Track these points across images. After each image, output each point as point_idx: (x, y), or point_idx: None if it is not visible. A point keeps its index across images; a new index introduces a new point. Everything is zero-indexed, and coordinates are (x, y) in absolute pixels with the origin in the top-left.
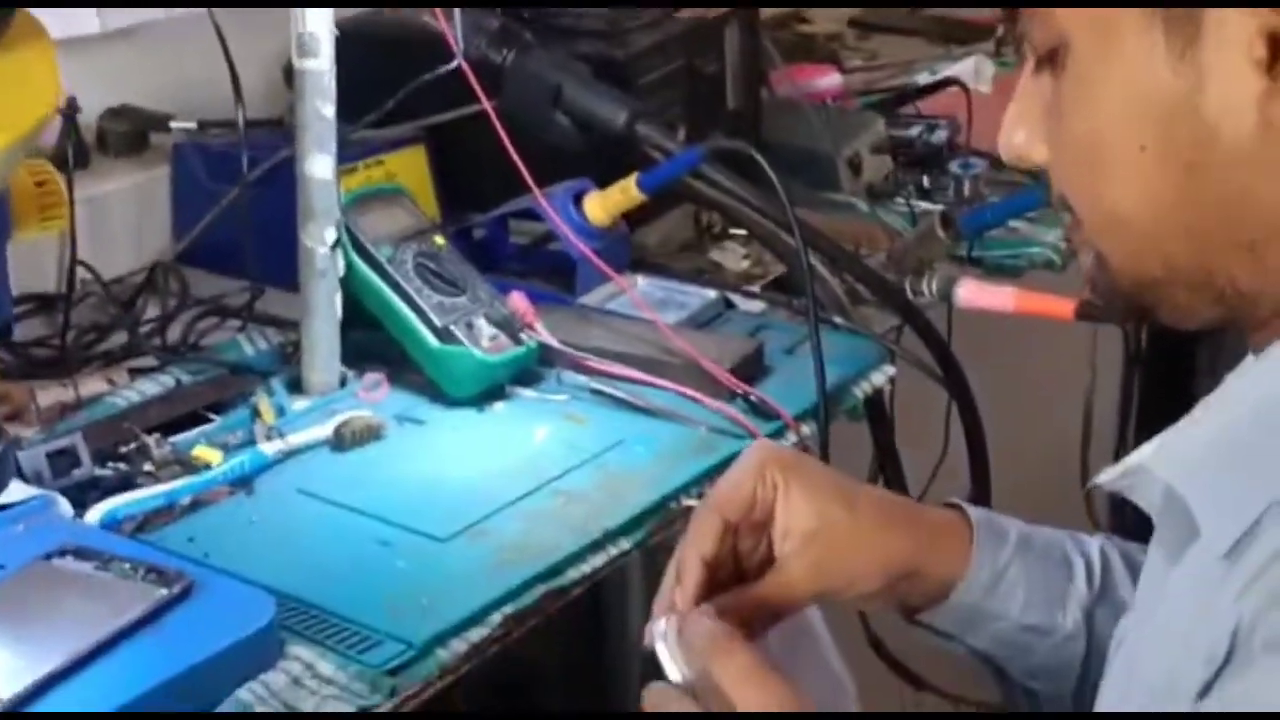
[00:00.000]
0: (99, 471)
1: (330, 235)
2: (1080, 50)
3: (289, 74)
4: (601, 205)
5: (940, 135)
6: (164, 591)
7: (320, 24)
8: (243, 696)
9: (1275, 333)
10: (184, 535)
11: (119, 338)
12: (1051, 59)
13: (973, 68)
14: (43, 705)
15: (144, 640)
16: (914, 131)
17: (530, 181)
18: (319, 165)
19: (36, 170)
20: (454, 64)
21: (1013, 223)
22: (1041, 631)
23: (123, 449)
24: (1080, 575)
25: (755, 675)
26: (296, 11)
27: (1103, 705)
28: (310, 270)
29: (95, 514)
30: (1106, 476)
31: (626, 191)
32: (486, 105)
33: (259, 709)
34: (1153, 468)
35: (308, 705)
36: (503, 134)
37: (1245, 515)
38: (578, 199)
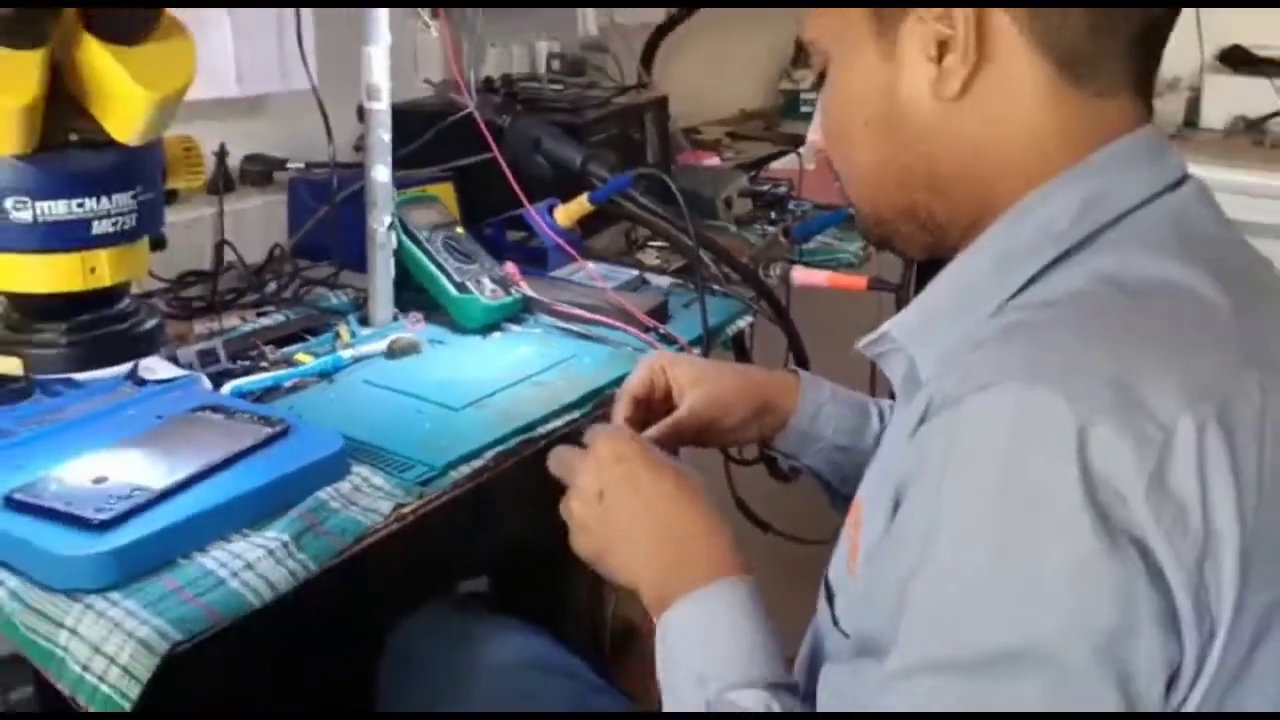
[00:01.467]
0: (231, 366)
1: (386, 220)
2: (834, 61)
3: (361, 112)
4: (565, 213)
5: (782, 189)
6: (269, 430)
7: (381, 75)
8: (320, 495)
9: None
10: (286, 406)
11: (250, 298)
12: (823, 75)
13: (803, 154)
14: (185, 496)
15: (256, 459)
16: (766, 187)
17: (522, 198)
18: (380, 173)
19: (185, 140)
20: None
21: (826, 238)
22: (850, 450)
23: (249, 354)
24: (874, 415)
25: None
26: (364, 67)
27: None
28: (373, 244)
29: (227, 389)
30: (863, 343)
31: (581, 204)
32: (495, 151)
33: (331, 504)
34: (888, 329)
35: (364, 502)
36: (505, 169)
37: (944, 351)
38: (550, 209)
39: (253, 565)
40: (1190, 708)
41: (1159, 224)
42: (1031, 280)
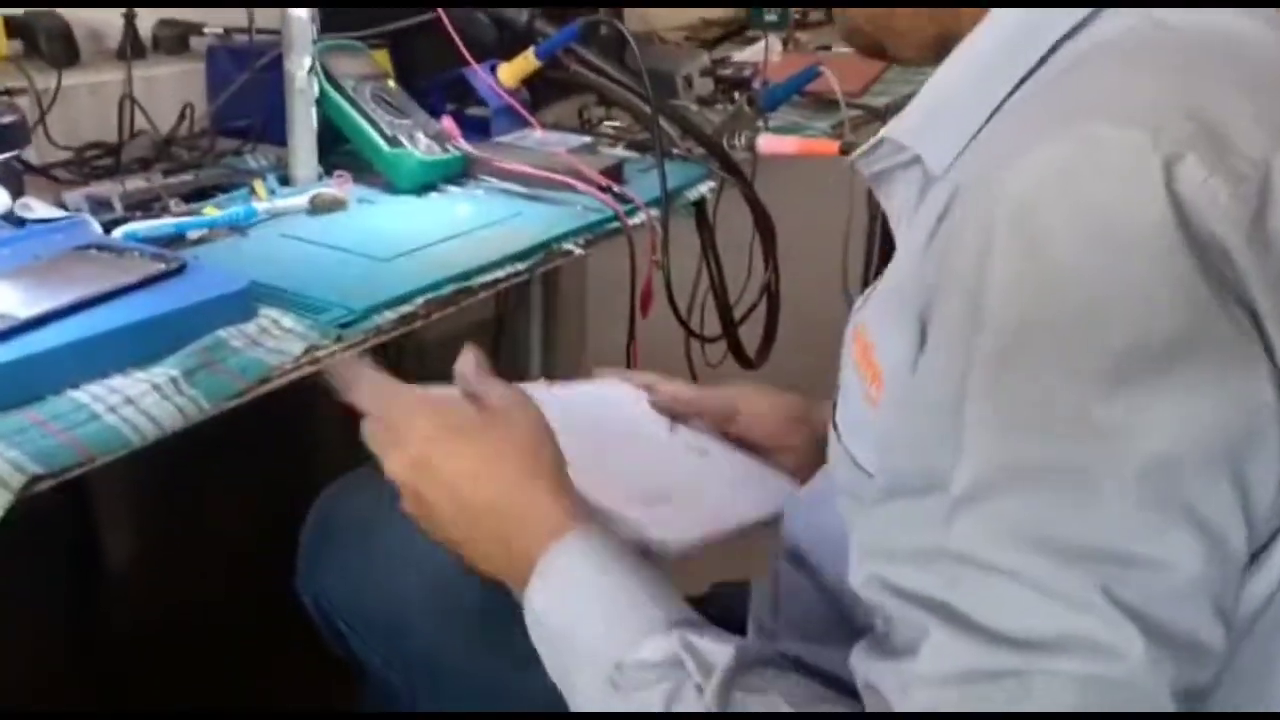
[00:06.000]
0: (127, 215)
1: (305, 63)
2: None
3: None
4: (509, 71)
5: (748, 72)
6: (162, 266)
7: None
8: (220, 334)
9: None
10: (189, 256)
11: (161, 167)
12: None
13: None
14: (56, 327)
15: (144, 295)
16: (729, 71)
17: (465, 54)
18: (300, 12)
19: None
20: None
21: (795, 115)
22: None
23: (149, 204)
24: None
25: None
26: None
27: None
28: (292, 91)
29: (118, 233)
30: (857, 155)
31: (527, 59)
32: (442, 12)
33: (232, 343)
34: (889, 133)
35: (270, 344)
36: (448, 23)
37: (962, 138)
38: (493, 70)
39: (134, 400)
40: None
41: None
42: (1060, 42)
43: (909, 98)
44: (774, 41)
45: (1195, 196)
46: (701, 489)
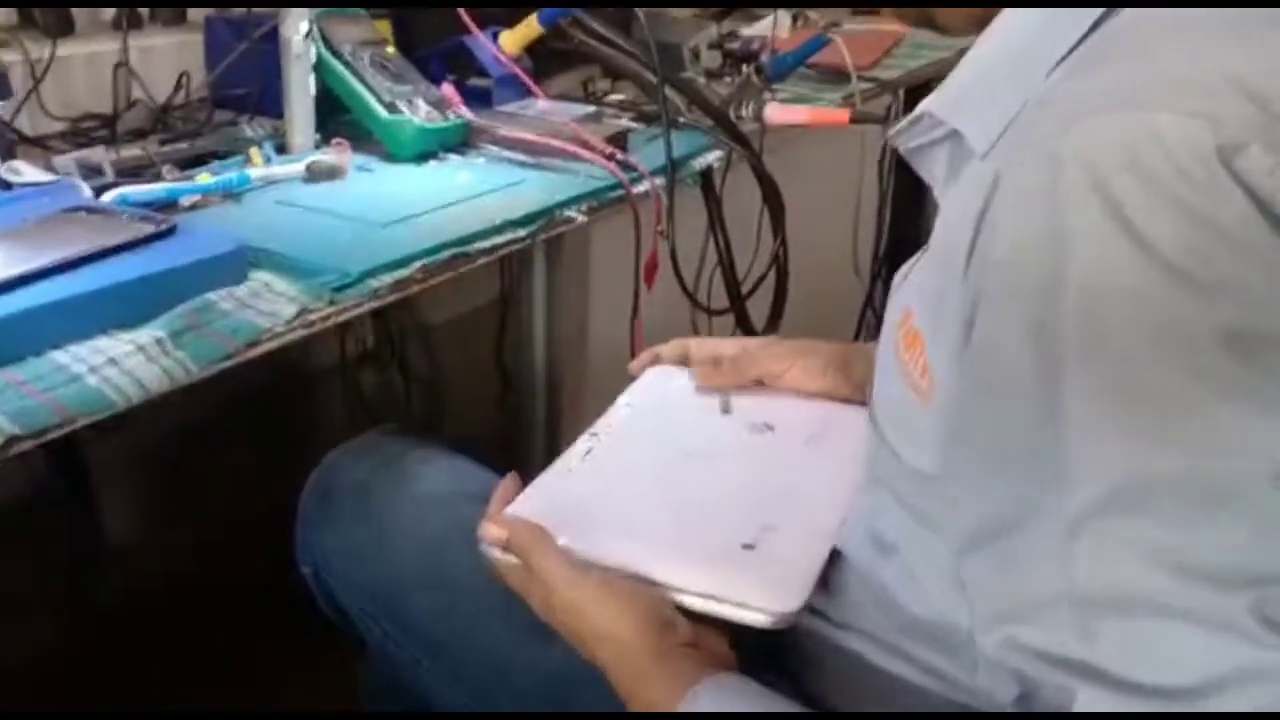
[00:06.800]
0: (118, 180)
1: (303, 27)
2: None
3: None
4: (512, 38)
5: (756, 45)
6: (151, 228)
7: None
8: (210, 296)
9: None
10: (181, 220)
11: (156, 137)
12: None
13: (776, 20)
14: (37, 287)
15: (131, 256)
16: (737, 45)
17: (468, 22)
18: None
19: None
20: None
21: (803, 88)
22: None
23: (143, 170)
24: None
25: (566, 571)
26: None
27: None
28: (288, 55)
29: (110, 196)
30: (894, 130)
31: (530, 25)
32: None
33: (222, 305)
34: (928, 108)
35: (263, 306)
36: None
37: (1004, 118)
38: (494, 37)
39: (117, 361)
40: None
41: None
42: (1102, 19)
43: (915, 71)
44: (783, 18)
45: (1265, 185)
46: (794, 491)
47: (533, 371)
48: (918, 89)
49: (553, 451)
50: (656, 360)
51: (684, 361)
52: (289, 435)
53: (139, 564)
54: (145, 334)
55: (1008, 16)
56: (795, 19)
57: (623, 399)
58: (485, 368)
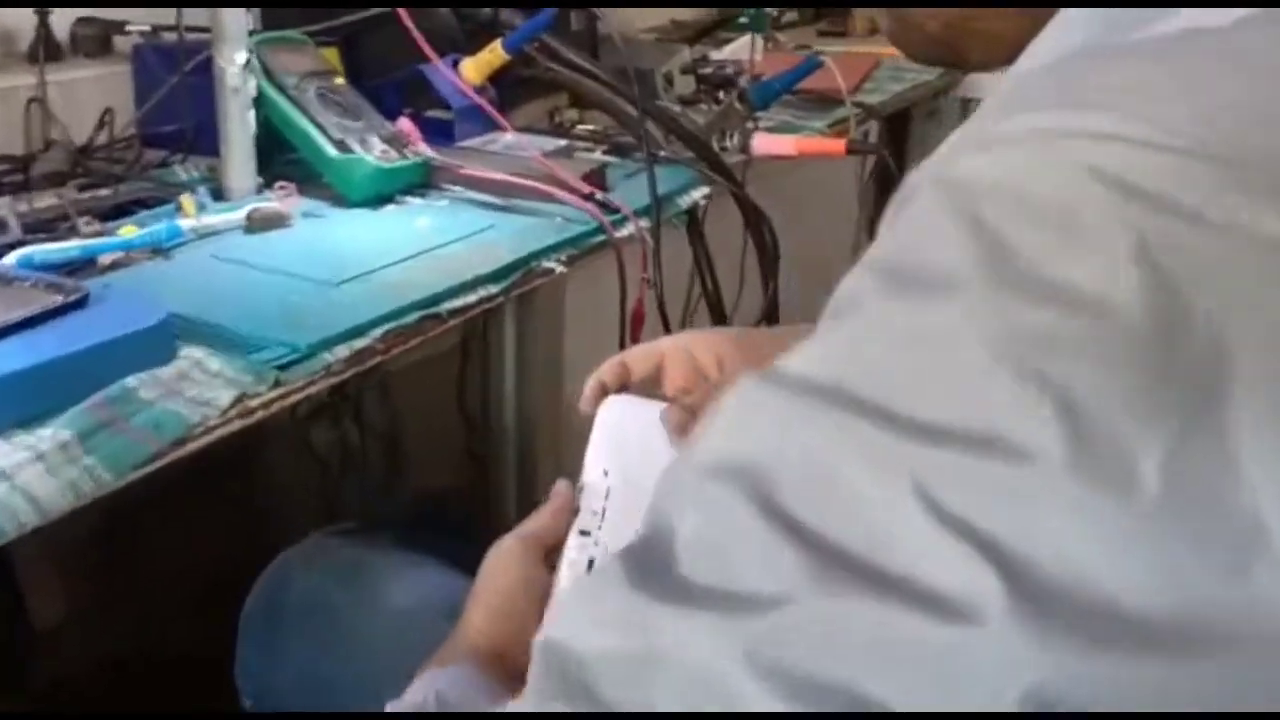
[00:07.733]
0: (25, 237)
1: (240, 58)
2: None
3: None
4: (474, 67)
5: (731, 70)
6: (59, 298)
7: None
8: (128, 383)
9: None
10: (100, 285)
11: (78, 182)
12: None
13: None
14: None
15: (34, 334)
16: (711, 69)
17: (427, 50)
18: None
19: None
20: None
21: (787, 115)
22: None
23: (55, 225)
24: None
25: None
26: None
27: None
28: (224, 90)
29: (11, 258)
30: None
31: (495, 52)
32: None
33: (143, 393)
34: None
35: (192, 392)
36: (405, 20)
37: None
38: (455, 65)
39: (9, 474)
40: None
41: None
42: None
43: (901, 95)
44: (757, 41)
45: None
46: None
47: (502, 419)
48: (901, 114)
49: (525, 501)
50: (604, 390)
51: (628, 385)
52: (233, 496)
53: (70, 646)
54: (47, 435)
55: (1038, 44)
56: (766, 41)
57: (596, 460)
58: (447, 416)
